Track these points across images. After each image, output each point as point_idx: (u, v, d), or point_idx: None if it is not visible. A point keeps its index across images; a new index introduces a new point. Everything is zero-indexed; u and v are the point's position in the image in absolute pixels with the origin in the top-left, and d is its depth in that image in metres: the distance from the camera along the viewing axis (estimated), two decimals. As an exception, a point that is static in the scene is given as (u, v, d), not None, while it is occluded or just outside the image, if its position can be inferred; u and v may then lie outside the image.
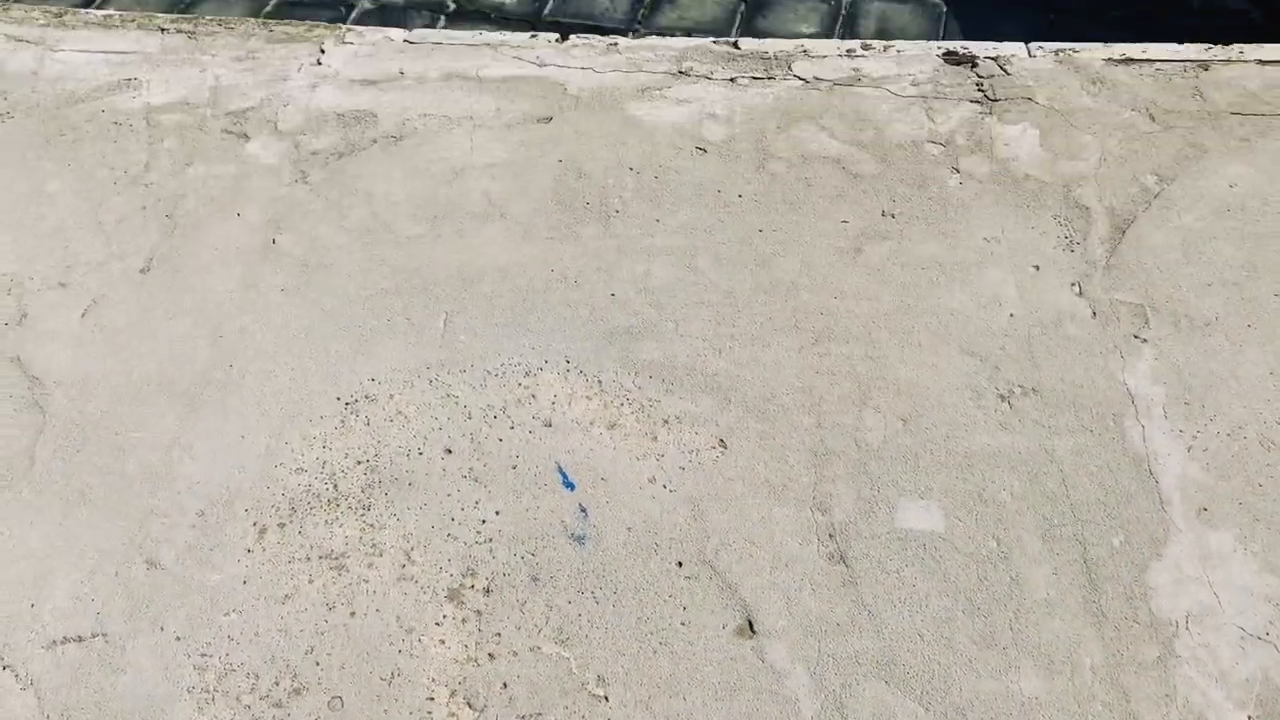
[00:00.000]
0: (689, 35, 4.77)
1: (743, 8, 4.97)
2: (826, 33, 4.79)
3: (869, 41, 3.13)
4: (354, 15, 4.99)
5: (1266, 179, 2.82)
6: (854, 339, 2.56)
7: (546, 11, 4.98)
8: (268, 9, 5.07)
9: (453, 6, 5.03)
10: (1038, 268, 2.68)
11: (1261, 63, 3.05)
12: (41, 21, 3.22)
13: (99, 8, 4.66)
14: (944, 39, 4.72)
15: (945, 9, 4.88)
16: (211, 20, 3.20)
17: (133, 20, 3.19)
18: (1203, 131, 2.91)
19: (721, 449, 2.38)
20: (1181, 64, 3.06)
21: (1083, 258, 2.69)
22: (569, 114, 3.01)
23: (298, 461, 2.38)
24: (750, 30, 4.81)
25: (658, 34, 4.82)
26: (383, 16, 5.02)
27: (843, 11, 4.89)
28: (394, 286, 2.66)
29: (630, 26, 4.92)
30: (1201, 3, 4.74)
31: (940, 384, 2.48)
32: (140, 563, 2.22)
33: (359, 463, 2.37)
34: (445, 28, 4.87)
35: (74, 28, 3.18)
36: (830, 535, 2.25)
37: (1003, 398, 2.46)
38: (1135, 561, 2.20)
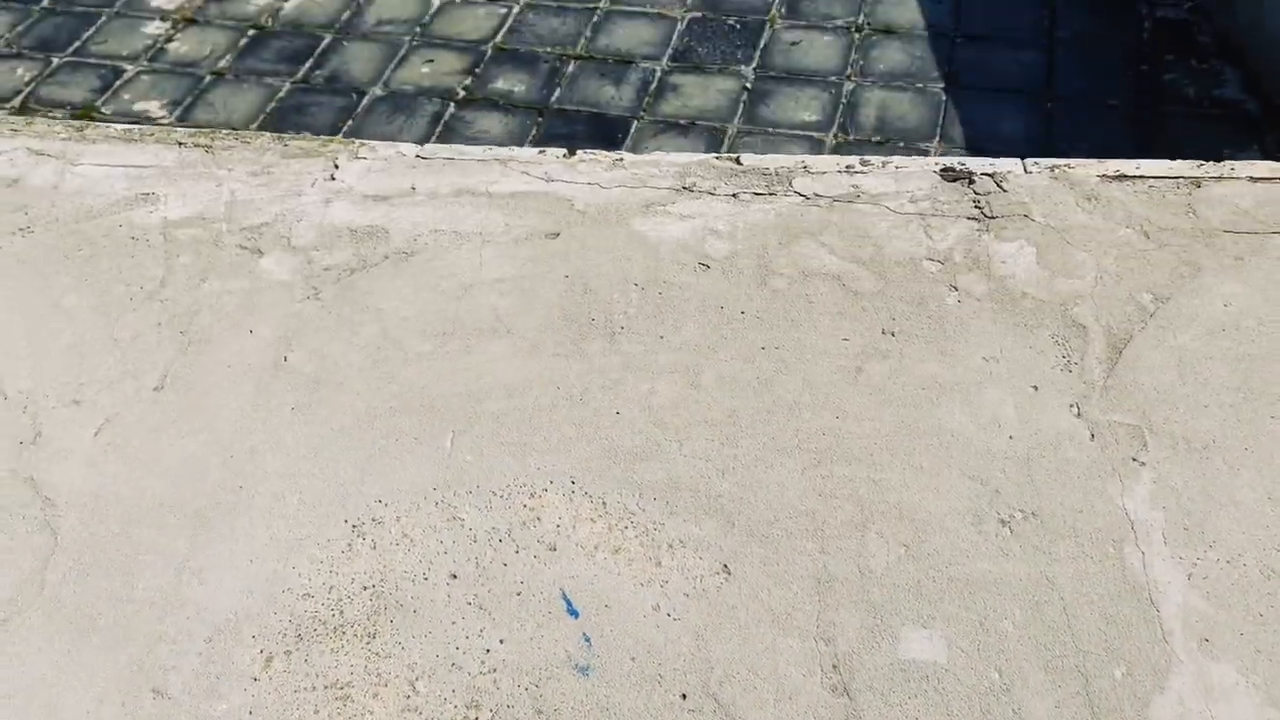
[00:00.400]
0: (693, 123, 4.89)
1: (745, 97, 5.09)
2: (828, 121, 4.90)
3: (867, 158, 3.22)
4: (365, 102, 5.12)
5: (1260, 298, 2.87)
6: (856, 461, 2.59)
7: (554, 99, 5.11)
8: (280, 95, 5.20)
9: (462, 94, 5.17)
10: (1036, 388, 2.72)
11: (1253, 179, 3.13)
12: (63, 135, 3.32)
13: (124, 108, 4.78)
14: (943, 126, 4.84)
15: (945, 98, 5.00)
16: (228, 135, 3.29)
17: (151, 134, 3.28)
18: (1196, 249, 2.97)
19: (725, 575, 2.40)
20: (1174, 180, 3.13)
21: (1080, 378, 2.73)
22: (576, 229, 3.08)
23: (305, 586, 2.40)
24: (753, 118, 4.93)
25: (663, 122, 4.94)
26: (394, 103, 5.15)
27: (843, 100, 5.01)
28: (402, 405, 2.71)
29: (635, 114, 5.04)
30: (1198, 92, 4.85)
31: (942, 508, 2.51)
32: (147, 691, 2.24)
33: (365, 588, 2.39)
34: (456, 115, 5.00)
35: (94, 141, 3.28)
36: (834, 666, 2.26)
37: (1003, 523, 2.49)
38: (1138, 695, 2.21)
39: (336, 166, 3.21)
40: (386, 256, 3.00)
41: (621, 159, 3.26)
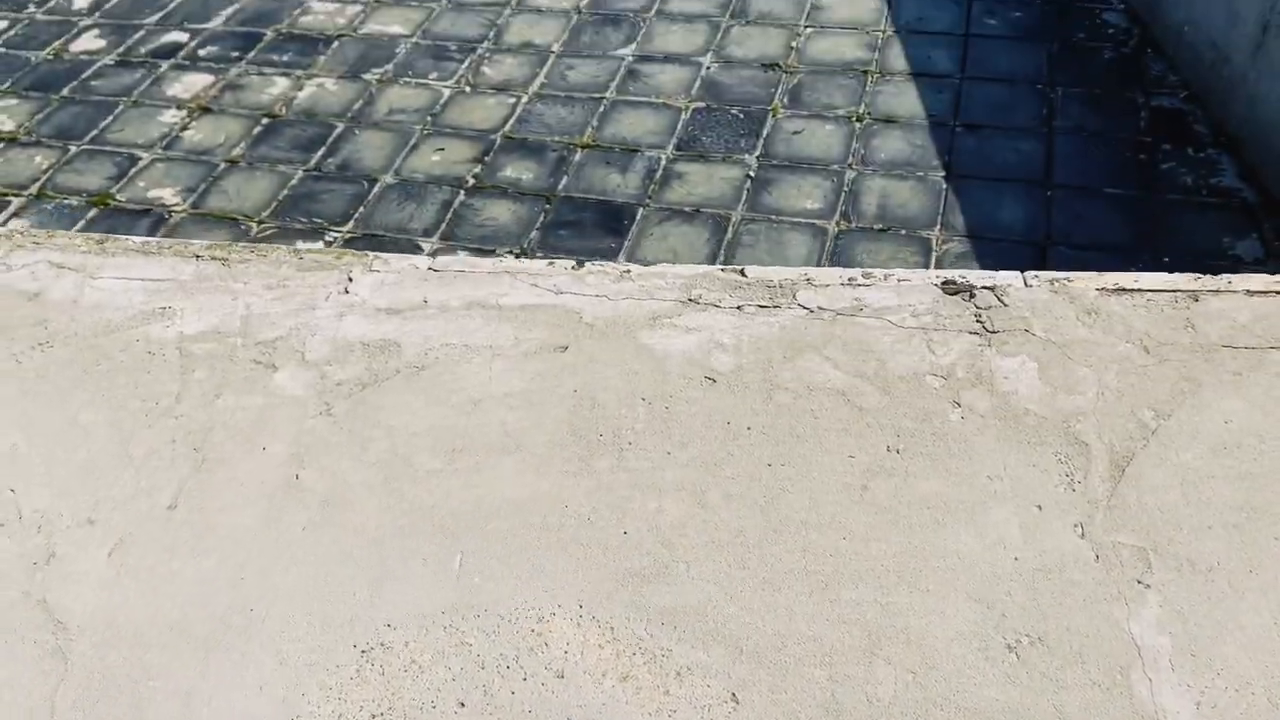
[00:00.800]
0: (698, 210, 4.97)
1: (749, 184, 5.19)
2: (830, 209, 4.99)
3: (869, 270, 3.27)
4: (376, 189, 5.23)
5: (1260, 414, 2.90)
6: (863, 583, 2.61)
7: (561, 187, 5.21)
8: (293, 182, 5.31)
9: (472, 181, 5.27)
10: (1040, 507, 2.75)
11: (1250, 293, 3.18)
12: (84, 249, 3.39)
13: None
14: (944, 213, 4.92)
15: (945, 186, 5.09)
16: (244, 247, 3.36)
17: (170, 247, 3.36)
18: (1196, 365, 3.01)
19: (734, 704, 2.40)
20: (1172, 294, 3.18)
21: (1084, 497, 2.75)
22: (584, 342, 3.13)
23: (314, 714, 2.41)
24: (756, 205, 5.02)
25: (668, 209, 5.03)
26: (404, 191, 5.26)
27: (845, 188, 5.10)
28: (411, 525, 2.73)
29: (641, 201, 5.13)
30: (1195, 180, 4.94)
31: (948, 632, 2.52)
32: (155, 827, 2.24)
33: (374, 716, 2.40)
34: (465, 202, 5.09)
35: (114, 255, 3.35)
36: (842, 802, 2.26)
37: (1010, 648, 2.50)
38: (1148, 833, 2.20)
39: (350, 279, 3.27)
40: (398, 371, 3.05)
41: (629, 270, 3.32)
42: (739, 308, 3.21)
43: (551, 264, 3.35)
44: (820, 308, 3.20)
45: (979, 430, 2.89)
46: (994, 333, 3.11)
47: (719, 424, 2.93)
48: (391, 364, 3.07)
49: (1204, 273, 4.40)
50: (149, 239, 3.51)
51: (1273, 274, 3.28)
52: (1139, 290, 3.19)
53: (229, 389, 3.01)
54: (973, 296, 3.19)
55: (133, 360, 3.07)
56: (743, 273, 3.31)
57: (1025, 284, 3.24)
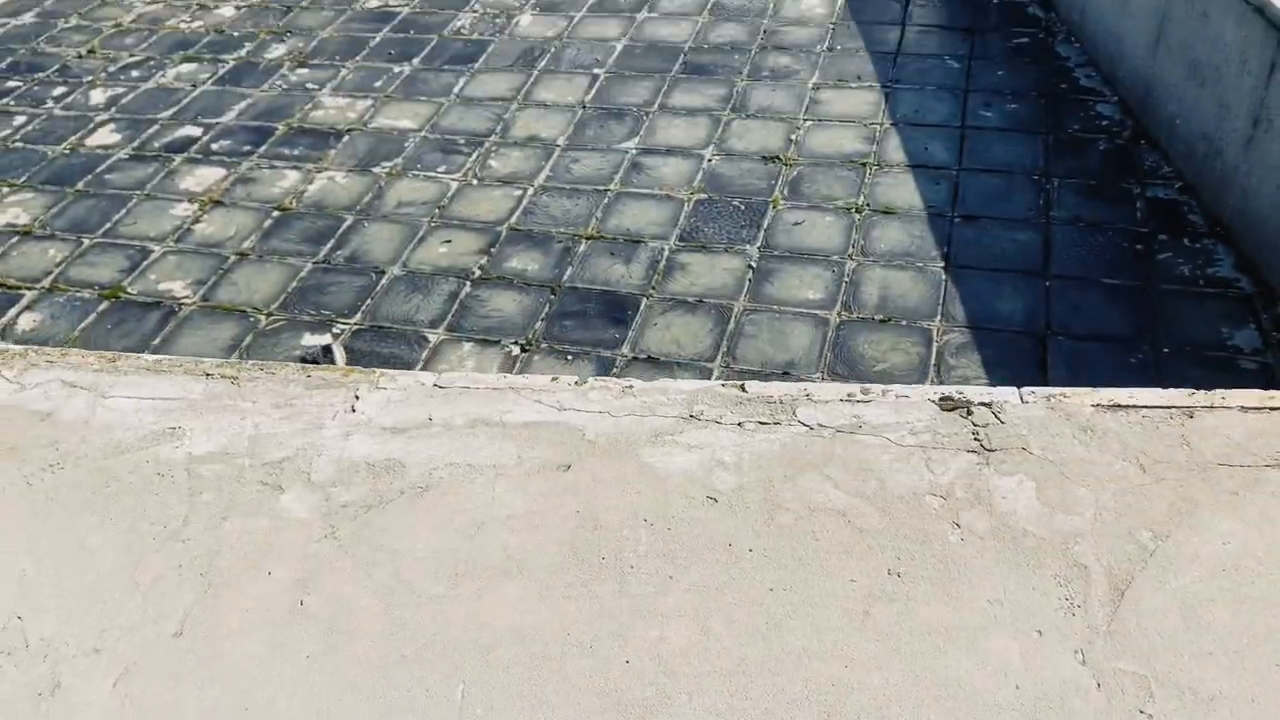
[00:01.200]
0: (700, 301, 5.04)
1: (750, 275, 5.27)
2: (831, 299, 5.05)
3: (868, 386, 3.32)
4: (384, 281, 5.31)
5: (1257, 535, 2.92)
6: (865, 713, 2.61)
7: (566, 278, 5.29)
8: (302, 274, 5.40)
9: (478, 273, 5.36)
10: (1040, 633, 2.75)
11: (1244, 409, 3.21)
12: (96, 367, 3.46)
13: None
14: (944, 304, 4.98)
15: (944, 276, 5.15)
16: (254, 365, 3.43)
17: (180, 365, 3.42)
18: (1193, 484, 3.04)
19: (735, 845, 2.40)
20: (1167, 410, 3.22)
21: (1084, 622, 2.76)
22: (587, 461, 3.17)
23: None
24: (758, 296, 5.09)
25: (672, 300, 5.10)
26: (411, 283, 5.34)
27: (846, 278, 5.18)
28: (414, 653, 2.75)
29: (645, 292, 5.20)
30: (1192, 271, 4.99)
31: (950, 767, 2.52)
32: None
33: None
34: (471, 294, 5.17)
35: (125, 373, 3.42)
36: None
37: (1013, 784, 2.49)
38: None
39: (357, 398, 3.33)
40: (402, 492, 3.09)
41: (631, 386, 3.37)
42: (740, 424, 3.26)
43: (555, 380, 3.40)
44: (820, 424, 3.24)
45: (978, 552, 2.91)
46: (991, 451, 3.15)
47: (721, 546, 2.96)
48: (396, 485, 3.11)
49: (1204, 363, 4.45)
50: (160, 357, 3.58)
51: (1265, 388, 3.32)
52: (1134, 406, 3.23)
53: (236, 511, 3.05)
54: (970, 413, 3.23)
55: (142, 482, 3.11)
56: (743, 388, 3.36)
57: (1021, 400, 3.28)
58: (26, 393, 3.40)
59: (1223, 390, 3.29)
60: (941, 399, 3.27)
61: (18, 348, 3.67)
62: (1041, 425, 3.20)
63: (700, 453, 3.17)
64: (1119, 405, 3.23)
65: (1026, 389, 3.34)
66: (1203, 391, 3.29)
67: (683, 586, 2.87)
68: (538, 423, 3.27)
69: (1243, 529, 2.93)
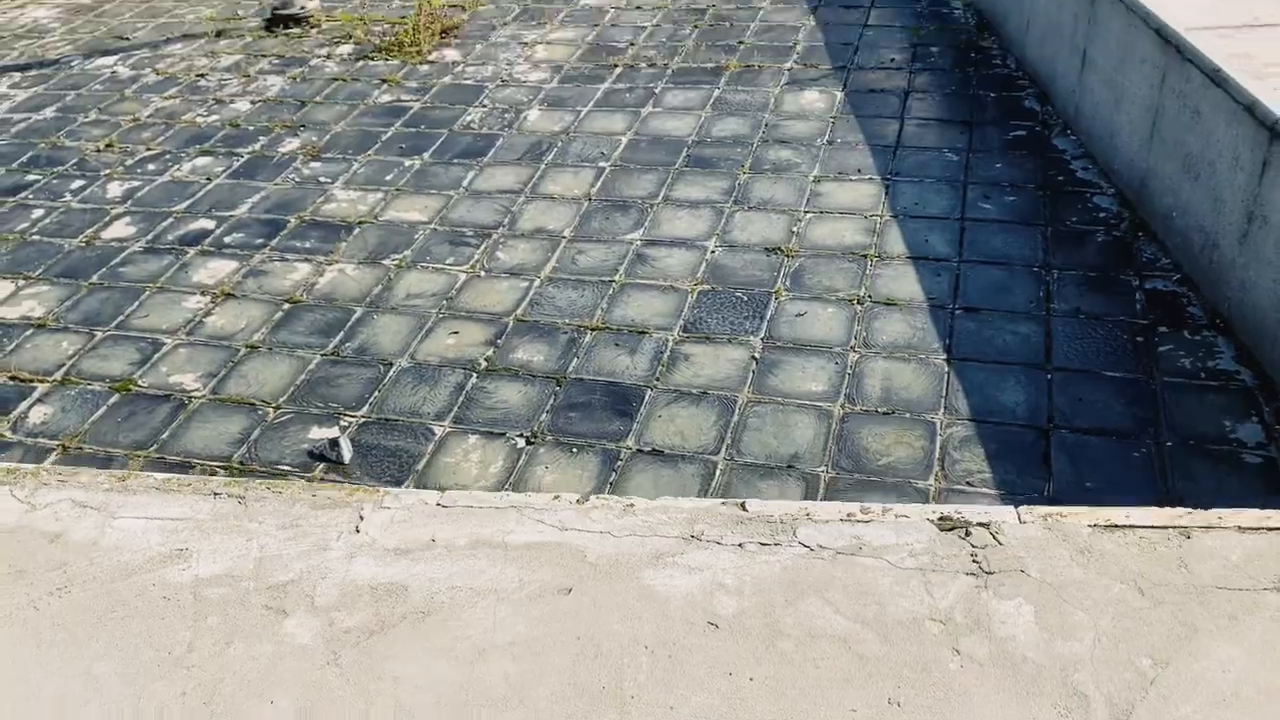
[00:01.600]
0: (704, 393, 5.09)
1: (754, 366, 5.32)
2: (834, 392, 5.09)
3: (868, 505, 3.35)
4: (392, 373, 5.38)
5: (1258, 662, 2.92)
6: None
7: (571, 369, 5.35)
8: (310, 367, 5.46)
9: (484, 365, 5.43)
10: (1042, 768, 2.75)
11: (1241, 529, 3.23)
12: (106, 486, 3.52)
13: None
14: (947, 397, 5.00)
15: (947, 369, 5.19)
16: (261, 484, 3.49)
17: (189, 484, 3.48)
18: (1191, 608, 3.04)
19: None
20: (1164, 530, 3.24)
21: (1085, 756, 2.76)
22: (588, 584, 3.20)
23: None
24: (762, 388, 5.13)
25: (676, 391, 5.14)
26: (418, 374, 5.41)
27: (849, 370, 5.22)
28: (416, 789, 2.76)
29: (649, 383, 5.25)
30: (1193, 364, 5.02)
31: None
32: None
33: None
34: (478, 385, 5.22)
35: (135, 492, 3.48)
36: None
37: None
38: None
39: (361, 518, 3.37)
40: (405, 617, 3.11)
41: (632, 505, 3.41)
42: (741, 545, 3.28)
43: (557, 498, 3.44)
44: (821, 545, 3.27)
45: (978, 680, 2.92)
46: (990, 573, 3.16)
47: (721, 674, 2.97)
48: (398, 610, 3.14)
49: (1208, 457, 4.44)
50: (169, 475, 3.64)
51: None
52: (1131, 527, 3.25)
53: (240, 636, 3.08)
54: (968, 534, 3.26)
55: (148, 606, 3.15)
56: (744, 506, 3.39)
57: (1019, 519, 3.30)
58: (37, 513, 3.45)
59: (1219, 510, 3.31)
60: (940, 519, 3.30)
61: (29, 466, 3.74)
62: (1039, 547, 3.22)
63: (702, 575, 3.20)
64: (1116, 525, 3.25)
65: (1024, 508, 3.37)
66: (1199, 511, 3.31)
67: (683, 717, 2.88)
68: (539, 544, 3.31)
69: (1243, 655, 2.93)
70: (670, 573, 3.20)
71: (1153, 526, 3.25)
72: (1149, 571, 3.13)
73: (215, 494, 3.45)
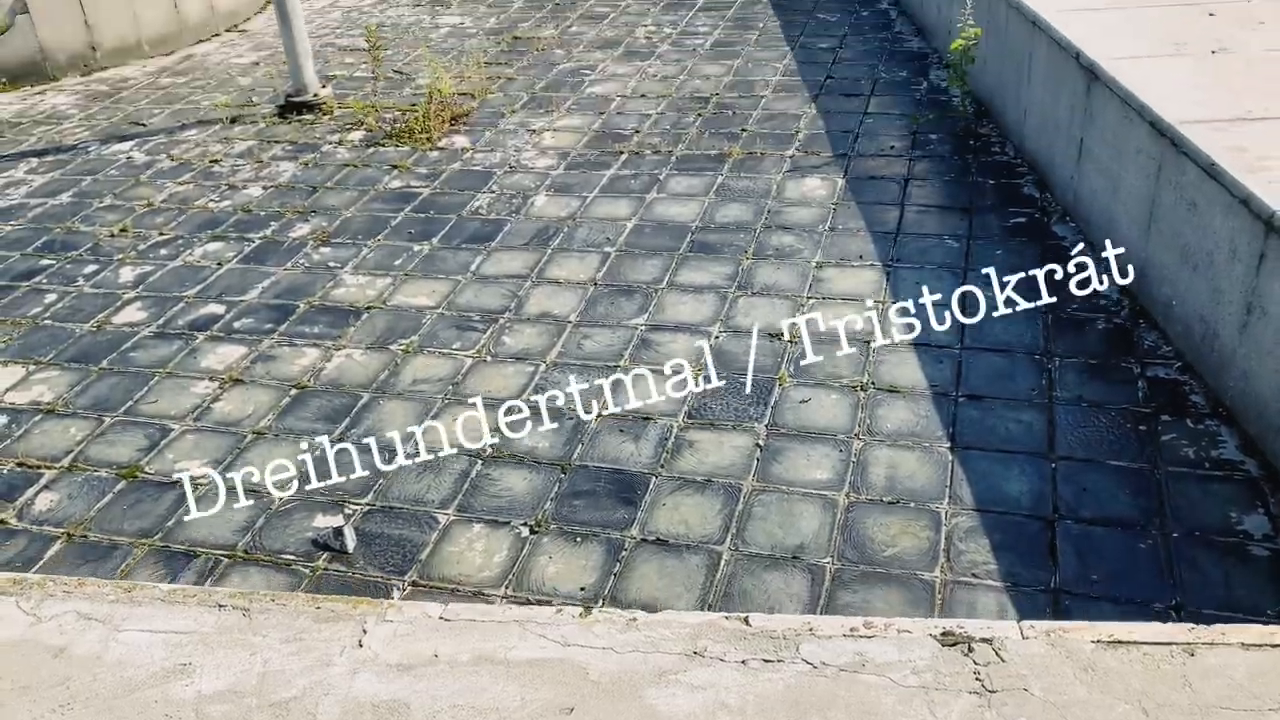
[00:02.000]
0: (709, 481, 5.09)
1: (759, 454, 5.33)
2: (839, 480, 5.09)
3: (870, 620, 3.35)
4: (395, 461, 5.39)
5: (1266, 789, 2.89)
6: None
7: (576, 456, 5.37)
8: (316, 453, 5.49)
9: (489, 451, 5.45)
10: None
11: (1244, 646, 3.22)
12: (112, 598, 3.54)
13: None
14: (951, 485, 5.00)
15: (951, 457, 5.20)
16: (266, 596, 3.50)
17: (194, 596, 3.50)
18: (1197, 731, 3.02)
19: None
20: (1168, 647, 3.23)
21: None
22: (590, 703, 3.19)
23: None
24: (766, 475, 5.13)
25: (680, 479, 5.15)
26: (423, 462, 5.42)
27: (853, 458, 5.22)
28: None
29: (654, 470, 5.27)
30: (1197, 453, 5.02)
31: None
32: None
33: None
34: (482, 472, 5.24)
35: (140, 604, 3.50)
36: None
37: None
38: None
39: (365, 632, 3.38)
40: (407, 738, 3.11)
41: (635, 619, 3.41)
42: (744, 662, 3.28)
43: (559, 611, 3.45)
44: (824, 663, 3.26)
45: (983, 808, 2.90)
46: (993, 692, 3.15)
47: (723, 799, 2.96)
48: (401, 729, 3.13)
49: (1214, 549, 4.41)
50: (175, 586, 3.66)
51: (1266, 624, 3.33)
52: (1134, 643, 3.24)
53: (242, 758, 3.07)
54: (971, 650, 3.25)
55: (151, 725, 3.15)
56: (747, 621, 3.40)
57: (1022, 635, 3.30)
58: (42, 625, 3.47)
59: (1222, 625, 3.30)
60: (943, 634, 3.29)
61: (35, 577, 3.76)
62: (1043, 664, 3.21)
63: (704, 694, 3.19)
64: (1119, 641, 3.24)
65: (1026, 622, 3.36)
66: (1203, 626, 3.30)
67: (685, 844, 2.86)
68: (542, 660, 3.31)
69: (1250, 783, 2.91)
70: (673, 691, 3.20)
71: (1156, 643, 3.24)
72: (1153, 690, 3.12)
73: (220, 605, 3.46)
